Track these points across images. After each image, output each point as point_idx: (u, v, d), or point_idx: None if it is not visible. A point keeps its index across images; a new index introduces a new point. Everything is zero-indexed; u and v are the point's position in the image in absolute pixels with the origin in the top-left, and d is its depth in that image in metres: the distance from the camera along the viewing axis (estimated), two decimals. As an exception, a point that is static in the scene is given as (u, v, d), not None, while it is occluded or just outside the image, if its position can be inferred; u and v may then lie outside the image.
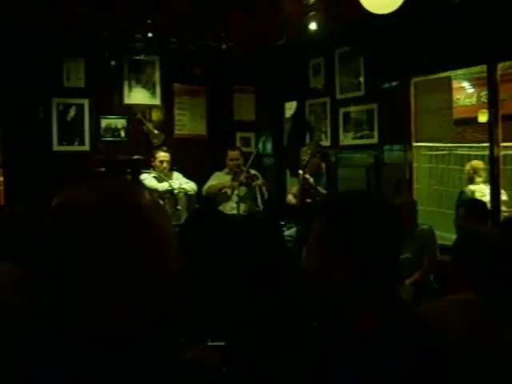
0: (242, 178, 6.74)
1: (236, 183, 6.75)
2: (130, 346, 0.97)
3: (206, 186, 6.92)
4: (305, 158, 6.20)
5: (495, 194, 5.43)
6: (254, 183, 6.74)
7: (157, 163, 6.68)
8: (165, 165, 6.69)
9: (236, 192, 6.77)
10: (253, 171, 6.89)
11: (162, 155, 6.71)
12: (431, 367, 1.27)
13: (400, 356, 1.24)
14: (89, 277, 0.99)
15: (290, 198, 6.50)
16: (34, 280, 1.48)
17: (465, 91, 7.34)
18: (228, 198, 6.80)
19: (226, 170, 6.98)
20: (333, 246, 1.35)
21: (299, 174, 6.27)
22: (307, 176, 6.16)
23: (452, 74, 6.03)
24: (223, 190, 6.77)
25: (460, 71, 6.29)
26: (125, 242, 0.99)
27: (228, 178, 6.92)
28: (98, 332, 0.97)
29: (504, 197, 5.81)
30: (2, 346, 1.07)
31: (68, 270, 0.99)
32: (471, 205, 5.01)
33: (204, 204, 6.74)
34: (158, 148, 6.91)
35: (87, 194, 1.02)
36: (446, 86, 5.93)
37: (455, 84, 6.21)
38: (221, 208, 6.92)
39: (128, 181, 1.04)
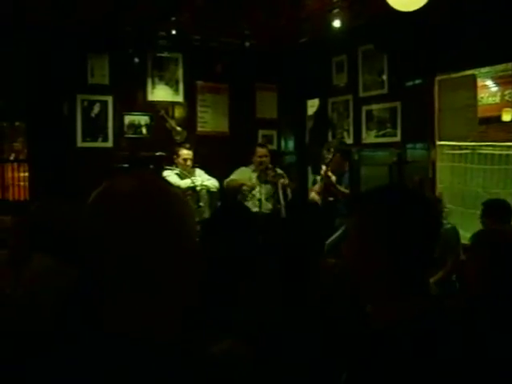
0: (270, 176, 6.77)
1: (256, 184, 6.78)
2: (156, 345, 0.98)
3: (228, 179, 6.94)
4: (328, 155, 6.18)
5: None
6: (280, 181, 6.77)
7: (180, 160, 6.69)
8: (188, 162, 6.70)
9: (258, 189, 6.78)
10: (279, 170, 6.92)
11: (185, 153, 6.72)
12: (456, 358, 1.27)
13: (428, 347, 1.24)
14: (122, 272, 0.99)
15: (314, 195, 6.49)
16: (68, 272, 1.50)
17: (488, 90, 7.24)
18: (244, 198, 6.83)
19: (253, 166, 6.98)
20: (370, 238, 1.38)
21: (322, 170, 6.25)
22: (329, 173, 6.15)
23: (476, 72, 5.97)
24: (244, 187, 6.79)
25: (484, 69, 6.21)
26: (158, 237, 1.00)
27: (253, 174, 6.93)
28: (126, 330, 0.98)
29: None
30: (32, 335, 1.09)
31: (100, 265, 1.00)
32: (493, 204, 4.97)
33: (231, 199, 6.74)
34: (181, 145, 6.92)
35: (124, 188, 1.02)
36: (471, 84, 5.88)
37: (479, 82, 6.15)
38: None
39: (159, 176, 1.05)
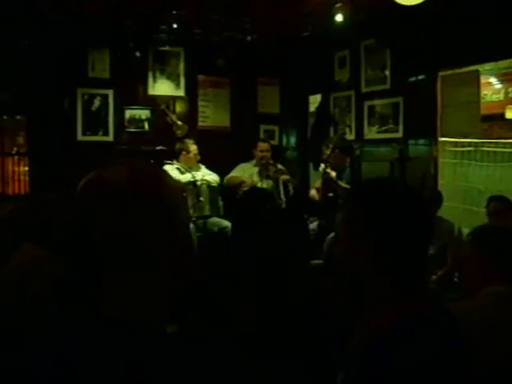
0: (271, 172, 6.76)
1: (257, 180, 6.76)
2: (142, 333, 0.97)
3: (228, 176, 6.92)
4: (327, 151, 6.16)
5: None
6: (281, 177, 6.76)
7: (191, 156, 6.68)
8: (198, 157, 6.73)
9: (259, 185, 6.76)
10: (280, 166, 6.91)
11: (196, 148, 6.73)
12: (452, 360, 1.24)
13: (420, 350, 1.21)
14: (111, 260, 0.98)
15: (313, 193, 6.46)
16: (57, 263, 1.49)
17: (492, 87, 7.21)
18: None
19: (254, 161, 6.97)
20: (360, 232, 1.34)
21: (321, 167, 6.23)
22: (328, 170, 6.12)
23: (479, 68, 5.92)
24: (243, 186, 6.76)
25: (487, 66, 6.17)
26: (149, 224, 0.99)
27: (255, 169, 6.91)
28: (116, 317, 0.97)
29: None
30: (23, 323, 1.07)
31: (91, 254, 0.99)
32: (500, 200, 4.96)
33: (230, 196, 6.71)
34: (184, 140, 6.88)
35: (113, 176, 1.02)
36: (474, 80, 5.83)
37: (483, 79, 6.11)
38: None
39: (152, 164, 1.06)
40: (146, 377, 0.92)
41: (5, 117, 7.05)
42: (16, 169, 7.20)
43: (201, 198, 6.49)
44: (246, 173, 6.91)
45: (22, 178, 7.18)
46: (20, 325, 1.19)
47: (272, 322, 2.01)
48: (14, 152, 7.21)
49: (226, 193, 6.84)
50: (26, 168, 7.08)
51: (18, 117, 7.17)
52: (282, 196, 6.70)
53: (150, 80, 7.43)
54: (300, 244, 2.39)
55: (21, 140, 7.26)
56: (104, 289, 0.99)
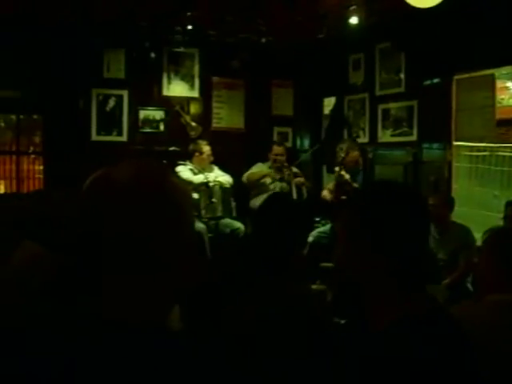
0: (285, 174, 6.76)
1: (277, 175, 6.78)
2: (144, 334, 0.96)
3: (247, 173, 6.93)
4: (341, 154, 6.15)
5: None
6: (296, 180, 6.76)
7: (204, 157, 6.69)
8: (211, 158, 6.73)
9: (272, 187, 6.77)
10: (295, 169, 6.91)
11: (209, 148, 6.74)
12: (449, 359, 1.24)
13: (418, 349, 1.22)
14: (116, 260, 0.98)
15: (325, 194, 6.44)
16: (55, 260, 1.50)
17: (509, 91, 7.15)
18: (266, 189, 6.81)
19: (269, 163, 6.98)
20: (358, 234, 1.35)
21: (335, 170, 6.22)
22: (343, 172, 6.11)
23: (496, 73, 5.87)
24: (263, 180, 6.78)
25: (504, 70, 6.12)
26: (155, 224, 0.99)
27: (270, 171, 6.92)
28: (117, 318, 0.96)
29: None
30: (23, 322, 1.08)
31: (95, 254, 0.99)
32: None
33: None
34: (197, 141, 6.89)
35: (119, 175, 1.02)
36: (490, 84, 5.79)
37: (499, 84, 6.06)
38: (255, 201, 6.92)
39: (157, 163, 1.06)
40: (147, 378, 0.91)
41: (21, 116, 7.11)
42: (31, 167, 7.27)
43: (213, 199, 6.50)
44: (262, 171, 6.94)
45: (36, 176, 7.24)
46: (20, 323, 1.19)
47: (273, 322, 2.00)
48: (30, 151, 7.27)
49: (246, 187, 6.87)
50: (41, 167, 7.14)
51: (35, 116, 7.23)
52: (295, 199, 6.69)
53: (165, 81, 7.45)
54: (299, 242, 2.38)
55: (37, 139, 7.32)
56: (106, 289, 0.99)
